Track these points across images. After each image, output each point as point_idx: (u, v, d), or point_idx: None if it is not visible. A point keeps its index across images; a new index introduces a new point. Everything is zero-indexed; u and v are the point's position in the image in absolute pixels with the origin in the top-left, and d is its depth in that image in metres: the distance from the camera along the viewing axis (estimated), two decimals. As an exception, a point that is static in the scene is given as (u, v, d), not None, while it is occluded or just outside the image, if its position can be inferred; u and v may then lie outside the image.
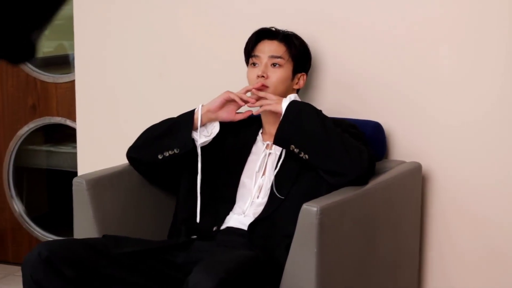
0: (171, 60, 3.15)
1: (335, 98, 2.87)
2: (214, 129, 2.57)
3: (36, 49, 0.78)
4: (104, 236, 2.45)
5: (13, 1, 0.73)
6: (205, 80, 3.08)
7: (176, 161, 2.58)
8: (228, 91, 2.55)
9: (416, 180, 2.74)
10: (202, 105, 2.57)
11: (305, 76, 2.66)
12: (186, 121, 2.56)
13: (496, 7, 2.65)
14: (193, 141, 2.54)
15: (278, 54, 2.59)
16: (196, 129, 2.55)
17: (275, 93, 2.55)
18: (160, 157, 2.56)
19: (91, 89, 3.31)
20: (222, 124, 2.60)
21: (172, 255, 2.41)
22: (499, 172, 2.72)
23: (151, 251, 2.39)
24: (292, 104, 2.46)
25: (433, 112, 2.76)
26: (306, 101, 2.72)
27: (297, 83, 2.64)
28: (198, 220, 2.54)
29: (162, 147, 2.56)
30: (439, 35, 2.73)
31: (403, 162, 2.76)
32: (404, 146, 2.81)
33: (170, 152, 2.54)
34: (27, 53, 0.78)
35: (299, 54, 2.64)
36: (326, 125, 2.43)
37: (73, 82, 3.39)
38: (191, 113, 2.57)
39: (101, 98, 3.29)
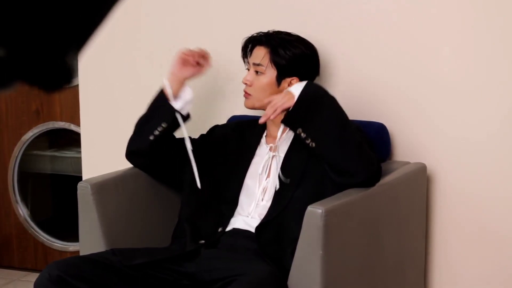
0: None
1: (339, 100, 2.86)
2: (186, 93, 2.66)
3: (73, 73, 0.71)
4: (112, 250, 2.45)
5: (45, 20, 0.67)
6: (208, 84, 3.08)
7: (174, 147, 2.65)
8: (181, 51, 2.66)
9: (421, 181, 2.73)
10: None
11: (296, 80, 2.57)
12: (160, 96, 2.67)
13: (502, 9, 2.65)
14: (174, 110, 2.63)
15: (258, 61, 2.59)
16: (171, 99, 2.64)
17: (258, 101, 2.58)
18: (151, 138, 2.62)
19: (94, 94, 3.31)
20: (227, 126, 2.64)
21: (181, 265, 2.41)
22: (504, 172, 2.71)
23: (160, 262, 2.40)
24: (309, 86, 2.42)
25: (437, 112, 2.76)
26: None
27: (287, 86, 2.56)
28: (198, 184, 2.58)
29: (150, 128, 2.65)
30: (444, 37, 2.73)
31: (407, 163, 2.75)
32: (409, 147, 2.81)
33: (158, 129, 2.62)
34: (63, 78, 0.70)
35: (284, 59, 2.56)
36: (342, 117, 2.42)
37: (76, 86, 3.39)
38: (161, 89, 2.67)
39: (104, 102, 3.29)
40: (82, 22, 0.71)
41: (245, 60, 2.67)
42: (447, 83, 2.74)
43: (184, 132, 2.64)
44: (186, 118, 2.67)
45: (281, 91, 2.55)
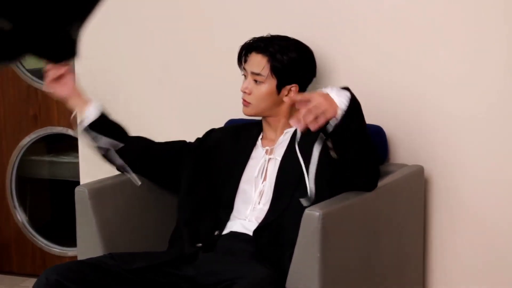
0: (171, 67, 3.15)
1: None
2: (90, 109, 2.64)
3: (77, 46, 0.73)
4: (109, 254, 2.45)
5: None
6: (205, 86, 3.09)
7: (164, 152, 2.68)
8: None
9: (418, 183, 2.73)
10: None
11: (296, 87, 2.56)
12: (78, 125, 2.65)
13: (497, 10, 2.65)
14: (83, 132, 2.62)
15: (258, 71, 2.54)
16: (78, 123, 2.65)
17: (257, 109, 2.56)
18: (115, 161, 2.63)
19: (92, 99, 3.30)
20: (223, 130, 2.68)
21: (180, 269, 2.41)
22: (502, 175, 2.71)
23: (158, 266, 2.40)
24: (354, 101, 2.25)
25: (435, 115, 2.76)
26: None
27: (286, 95, 2.56)
28: (137, 181, 2.58)
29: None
30: (441, 39, 2.73)
31: (405, 165, 2.75)
32: (406, 150, 2.81)
33: (100, 152, 2.64)
34: (68, 50, 0.73)
35: (285, 68, 2.54)
36: (366, 129, 2.33)
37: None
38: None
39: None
40: None
41: (241, 66, 2.63)
42: (445, 86, 2.74)
43: (105, 142, 2.62)
44: (104, 128, 2.63)
45: (280, 99, 2.56)
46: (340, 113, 2.18)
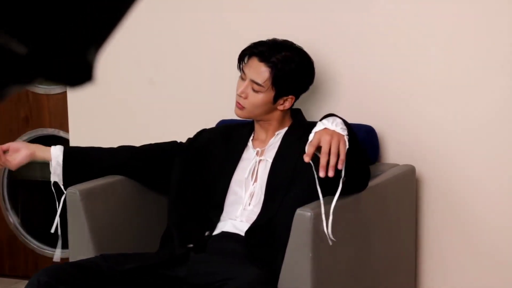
0: (163, 68, 3.15)
1: (328, 102, 2.87)
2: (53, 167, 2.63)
3: (94, 70, 0.72)
4: (101, 255, 2.44)
5: (65, 18, 0.68)
6: (198, 87, 3.08)
7: (152, 158, 2.68)
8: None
9: (410, 183, 2.74)
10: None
11: (292, 99, 2.57)
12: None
13: (492, 10, 2.66)
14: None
15: (259, 82, 2.51)
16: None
17: (250, 114, 2.55)
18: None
19: (83, 100, 3.30)
20: (214, 130, 2.70)
21: (171, 270, 2.41)
22: (493, 174, 2.72)
23: (150, 267, 2.39)
24: (345, 123, 2.25)
25: (426, 115, 2.76)
26: (299, 104, 2.70)
27: (282, 104, 2.56)
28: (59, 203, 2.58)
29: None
30: (432, 38, 2.73)
31: (396, 165, 2.75)
32: (397, 149, 2.81)
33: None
34: (84, 75, 0.71)
35: (286, 81, 2.52)
36: (361, 150, 2.33)
37: (65, 93, 3.38)
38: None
39: (93, 108, 3.29)
40: (101, 20, 0.72)
41: (240, 67, 2.59)
42: (436, 86, 2.74)
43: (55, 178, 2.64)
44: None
45: (275, 107, 2.55)
46: (346, 139, 2.18)
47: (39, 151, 2.62)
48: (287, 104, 2.57)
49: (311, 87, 2.69)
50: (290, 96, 2.56)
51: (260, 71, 2.52)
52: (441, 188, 2.78)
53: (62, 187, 2.61)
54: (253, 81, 2.52)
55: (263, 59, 2.52)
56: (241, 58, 2.59)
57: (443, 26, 2.71)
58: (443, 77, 2.73)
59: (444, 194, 2.78)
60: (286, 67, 2.52)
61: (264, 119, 2.59)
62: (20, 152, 2.59)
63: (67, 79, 0.71)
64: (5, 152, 2.58)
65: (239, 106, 2.56)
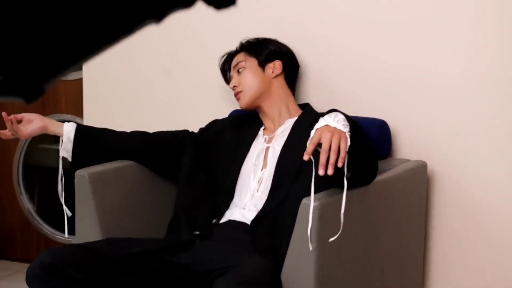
0: (179, 58, 3.15)
1: (341, 96, 2.85)
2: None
3: (45, 92, 0.76)
4: (107, 239, 2.44)
5: (31, 51, 0.71)
6: (212, 78, 3.08)
7: (162, 143, 2.70)
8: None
9: (421, 179, 2.71)
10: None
11: (279, 62, 2.66)
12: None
13: (502, 8, 2.63)
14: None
15: (235, 62, 2.67)
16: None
17: (250, 94, 2.61)
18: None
19: (98, 87, 3.32)
20: (226, 120, 2.71)
21: (175, 256, 2.41)
22: (505, 172, 2.69)
23: (155, 252, 2.39)
24: (348, 119, 2.19)
25: (440, 111, 2.74)
26: (311, 97, 2.70)
27: (273, 71, 2.65)
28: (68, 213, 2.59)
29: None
30: (446, 34, 2.71)
31: (408, 160, 2.73)
32: (410, 145, 2.79)
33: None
34: (37, 96, 0.74)
35: (257, 44, 2.67)
36: (367, 145, 2.27)
37: (81, 79, 3.39)
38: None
39: (108, 95, 3.30)
40: (63, 57, 0.75)
41: (227, 79, 2.76)
42: (450, 81, 2.72)
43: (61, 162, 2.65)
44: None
45: (268, 77, 2.62)
46: (348, 135, 2.12)
47: (52, 125, 2.63)
48: (278, 68, 2.65)
49: (325, 81, 2.67)
50: (276, 61, 2.65)
51: (236, 57, 2.69)
52: (453, 185, 2.75)
53: (70, 162, 2.62)
54: (234, 67, 2.66)
55: (236, 53, 2.72)
56: (226, 77, 2.77)
57: (458, 23, 2.69)
58: (458, 73, 2.71)
59: (455, 192, 2.75)
60: (255, 39, 2.71)
61: (266, 98, 2.60)
62: (33, 123, 2.60)
63: (23, 95, 0.74)
64: (19, 122, 2.59)
65: (238, 95, 2.65)
